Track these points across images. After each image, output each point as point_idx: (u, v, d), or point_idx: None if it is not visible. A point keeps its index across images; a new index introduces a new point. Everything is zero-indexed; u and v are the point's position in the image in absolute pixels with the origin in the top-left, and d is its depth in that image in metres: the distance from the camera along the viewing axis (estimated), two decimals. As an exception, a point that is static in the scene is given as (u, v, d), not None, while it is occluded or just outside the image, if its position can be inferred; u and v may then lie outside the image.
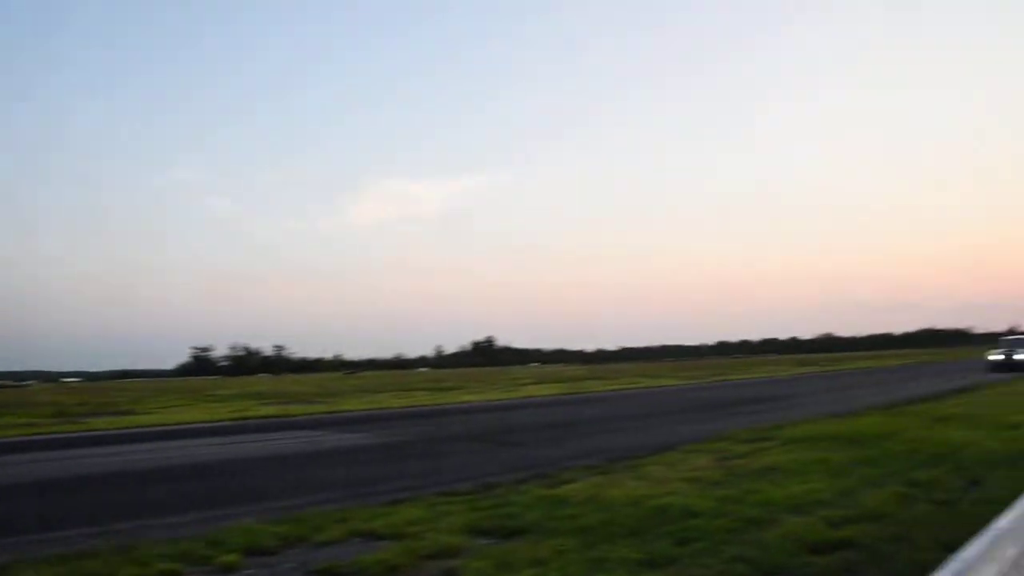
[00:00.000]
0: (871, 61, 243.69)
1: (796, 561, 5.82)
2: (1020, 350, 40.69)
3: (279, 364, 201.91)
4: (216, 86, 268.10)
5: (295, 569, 6.24)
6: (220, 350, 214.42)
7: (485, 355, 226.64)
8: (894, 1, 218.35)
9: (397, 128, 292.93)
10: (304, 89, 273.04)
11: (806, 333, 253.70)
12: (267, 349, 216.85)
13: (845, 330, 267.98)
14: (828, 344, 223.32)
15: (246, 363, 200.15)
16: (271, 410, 29.72)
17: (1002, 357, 41.07)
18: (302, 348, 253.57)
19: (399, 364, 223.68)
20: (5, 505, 10.41)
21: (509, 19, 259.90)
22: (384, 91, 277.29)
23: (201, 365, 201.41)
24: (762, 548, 6.15)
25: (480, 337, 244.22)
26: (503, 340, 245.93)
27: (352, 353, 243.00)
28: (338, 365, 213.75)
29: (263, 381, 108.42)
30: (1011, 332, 70.98)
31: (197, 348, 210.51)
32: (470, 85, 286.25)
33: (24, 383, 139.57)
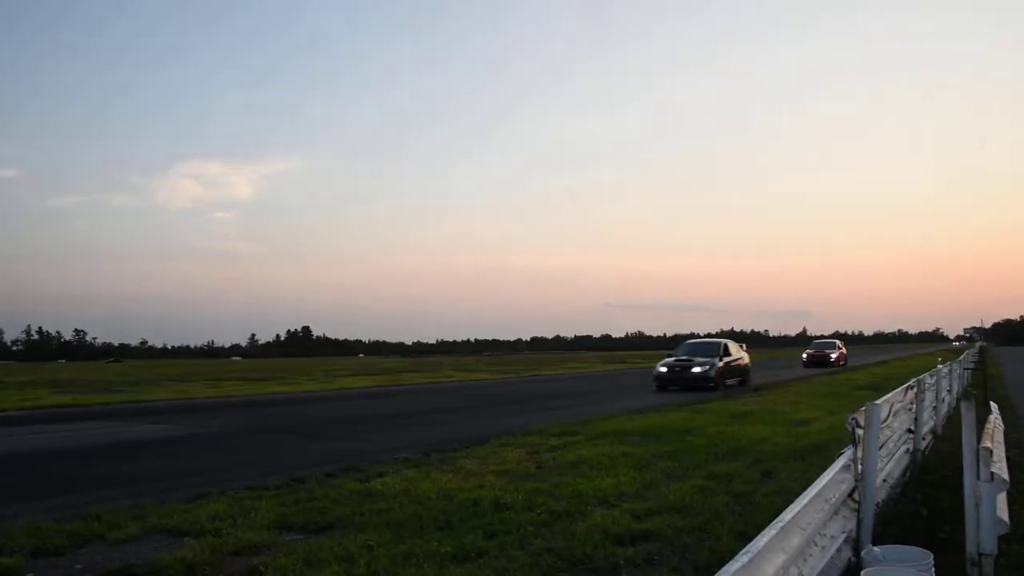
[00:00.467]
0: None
1: (602, 552, 5.97)
2: (702, 359, 27.51)
3: (80, 349, 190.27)
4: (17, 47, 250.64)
5: (86, 570, 5.85)
6: (12, 333, 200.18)
7: (301, 345, 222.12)
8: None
9: (209, 110, 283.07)
10: (110, 56, 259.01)
11: (618, 331, 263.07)
12: (66, 334, 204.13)
13: (654, 329, 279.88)
14: (639, 342, 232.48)
15: (42, 348, 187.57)
16: (67, 399, 27.96)
17: (665, 369, 27.83)
18: (106, 334, 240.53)
19: (211, 352, 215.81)
20: None
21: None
22: (194, 66, 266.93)
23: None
24: (569, 540, 6.28)
25: (296, 327, 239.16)
26: (320, 331, 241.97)
27: (160, 339, 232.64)
28: (144, 352, 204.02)
29: (61, 367, 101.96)
30: (831, 336, 72.11)
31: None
32: (292, 69, 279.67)
33: None
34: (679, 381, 27.28)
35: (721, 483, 8.77)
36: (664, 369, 27.76)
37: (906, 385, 9.15)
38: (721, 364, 27.77)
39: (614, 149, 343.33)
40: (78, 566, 5.98)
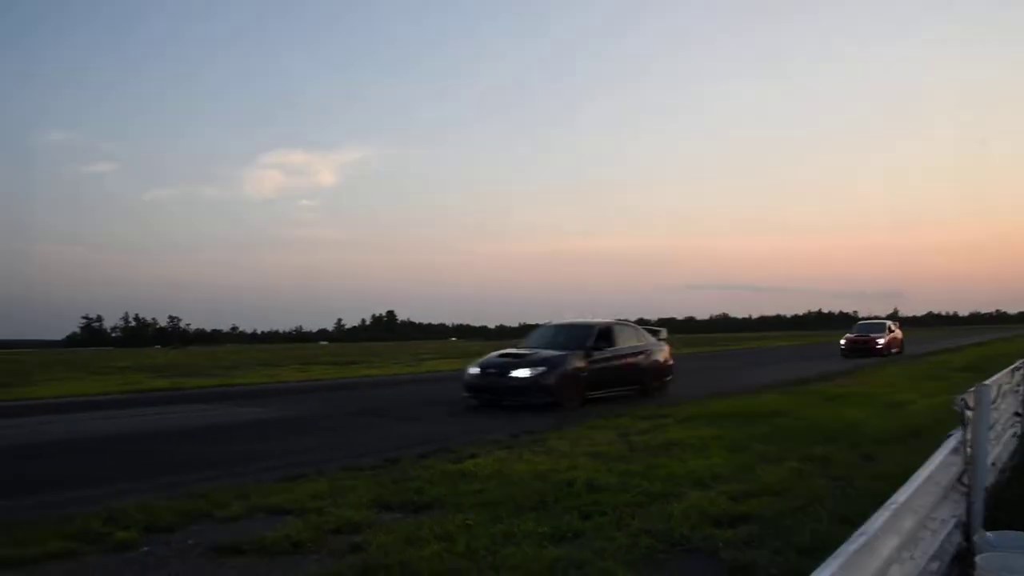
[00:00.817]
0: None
1: (700, 534, 5.93)
2: (518, 367, 16.26)
3: (174, 336, 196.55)
4: (99, 45, 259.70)
5: (197, 545, 6.05)
6: (111, 320, 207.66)
7: (386, 329, 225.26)
8: None
9: (293, 97, 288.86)
10: (196, 55, 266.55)
11: (702, 314, 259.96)
12: (161, 320, 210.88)
13: (739, 311, 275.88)
14: (724, 324, 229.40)
15: (139, 334, 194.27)
16: (164, 383, 28.90)
17: (478, 370, 17.02)
18: (198, 320, 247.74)
19: (299, 337, 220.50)
20: None
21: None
22: (275, 59, 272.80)
23: (92, 336, 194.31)
24: (666, 521, 6.25)
25: (381, 311, 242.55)
26: (404, 315, 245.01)
27: (250, 325, 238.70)
28: (235, 337, 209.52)
29: (157, 353, 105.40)
30: (875, 317, 59.27)
31: (87, 318, 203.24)
32: (370, 56, 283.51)
33: None
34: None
35: (818, 466, 8.61)
36: (476, 371, 17.20)
37: (1012, 367, 8.84)
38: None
39: (694, 127, 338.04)
40: (189, 541, 6.18)
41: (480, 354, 19.16)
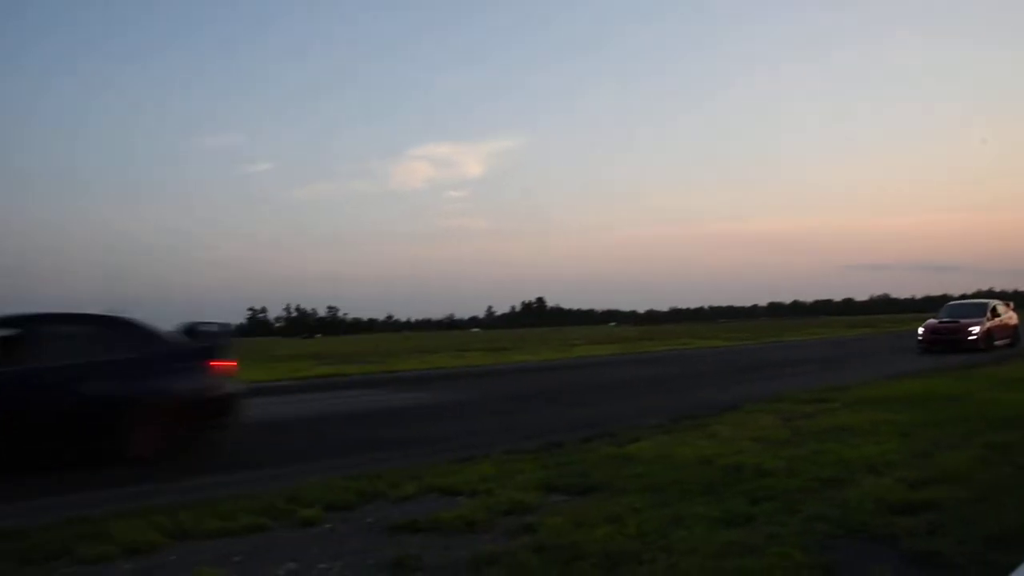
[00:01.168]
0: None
1: (879, 521, 5.74)
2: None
3: (333, 325, 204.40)
4: (250, 52, 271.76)
5: (376, 523, 6.32)
6: (274, 311, 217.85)
7: (536, 315, 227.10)
8: None
9: (438, 91, 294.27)
10: (334, 52, 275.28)
11: (861, 295, 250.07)
12: (321, 310, 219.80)
13: (901, 292, 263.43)
14: (884, 306, 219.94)
15: (301, 324, 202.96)
16: (328, 369, 30.13)
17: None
18: (355, 310, 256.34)
19: (451, 325, 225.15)
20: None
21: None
22: (420, 55, 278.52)
23: (257, 326, 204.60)
24: (841, 508, 6.08)
25: (530, 298, 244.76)
26: (553, 301, 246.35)
27: (404, 314, 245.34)
28: (391, 325, 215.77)
29: (318, 342, 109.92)
30: (975, 296, 48.53)
31: (253, 309, 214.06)
32: (511, 45, 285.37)
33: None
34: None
35: (1000, 453, 8.15)
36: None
37: None
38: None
39: (847, 101, 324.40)
40: (368, 520, 6.46)
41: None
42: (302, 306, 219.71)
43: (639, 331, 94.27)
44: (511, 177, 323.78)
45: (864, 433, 9.55)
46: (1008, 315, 29.40)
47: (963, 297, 44.21)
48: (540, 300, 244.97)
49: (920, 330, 28.43)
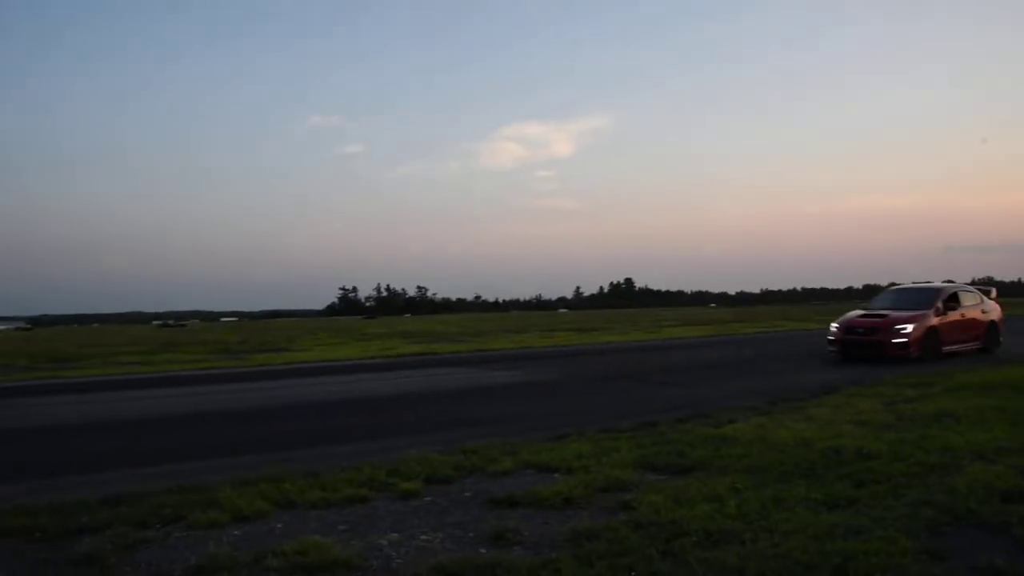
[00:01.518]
0: None
1: (988, 508, 5.58)
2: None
3: (422, 304, 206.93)
4: (343, 35, 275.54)
5: (474, 497, 6.42)
6: (365, 291, 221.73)
7: (624, 296, 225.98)
8: None
9: (524, 71, 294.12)
10: (432, 37, 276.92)
11: (963, 277, 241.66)
12: (410, 290, 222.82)
13: (1008, 274, 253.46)
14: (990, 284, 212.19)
15: (390, 303, 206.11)
16: (418, 348, 30.55)
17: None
18: (442, 289, 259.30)
19: (539, 305, 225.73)
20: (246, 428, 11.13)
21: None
22: (511, 35, 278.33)
23: (348, 305, 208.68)
24: (949, 493, 5.93)
25: (619, 279, 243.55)
26: (642, 282, 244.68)
27: (492, 294, 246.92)
28: (479, 306, 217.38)
29: (408, 320, 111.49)
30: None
31: (344, 289, 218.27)
32: (600, 24, 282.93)
33: (184, 322, 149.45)
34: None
35: (1119, 442, 7.85)
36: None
37: None
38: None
39: (954, 74, 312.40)
40: (466, 494, 6.57)
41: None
42: (392, 286, 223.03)
43: (732, 313, 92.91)
44: (600, 157, 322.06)
45: (971, 419, 9.27)
46: (978, 307, 20.63)
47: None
48: (628, 281, 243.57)
49: (833, 327, 19.97)
